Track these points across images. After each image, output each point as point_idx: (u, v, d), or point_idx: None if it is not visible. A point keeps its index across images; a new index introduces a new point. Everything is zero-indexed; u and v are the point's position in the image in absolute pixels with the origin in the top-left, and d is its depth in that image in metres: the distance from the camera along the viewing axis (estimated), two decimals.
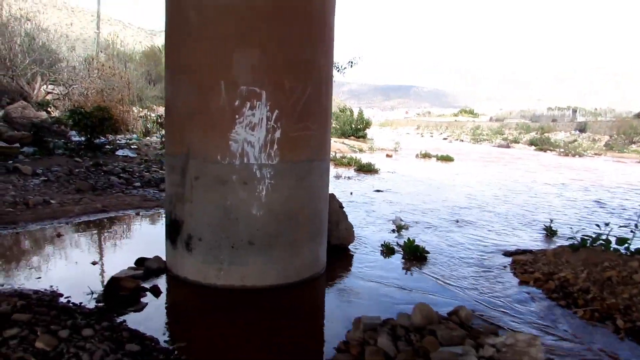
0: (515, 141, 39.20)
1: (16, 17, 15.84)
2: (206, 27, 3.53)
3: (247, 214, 3.63)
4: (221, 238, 3.64)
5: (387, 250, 5.03)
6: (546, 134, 40.69)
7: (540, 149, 30.47)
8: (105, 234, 5.40)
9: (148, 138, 14.49)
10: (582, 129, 42.28)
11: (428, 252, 4.88)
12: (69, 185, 7.70)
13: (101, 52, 22.77)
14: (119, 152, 11.10)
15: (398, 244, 5.25)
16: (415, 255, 4.81)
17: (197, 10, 3.53)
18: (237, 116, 3.52)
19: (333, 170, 13.04)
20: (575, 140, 38.33)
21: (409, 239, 4.99)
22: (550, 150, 29.77)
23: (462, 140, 41.26)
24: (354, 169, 13.64)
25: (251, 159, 3.57)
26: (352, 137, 28.16)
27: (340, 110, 32.30)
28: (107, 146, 11.35)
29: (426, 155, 19.87)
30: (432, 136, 51.65)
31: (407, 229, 6.15)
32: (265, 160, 3.60)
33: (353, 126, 29.47)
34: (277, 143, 3.62)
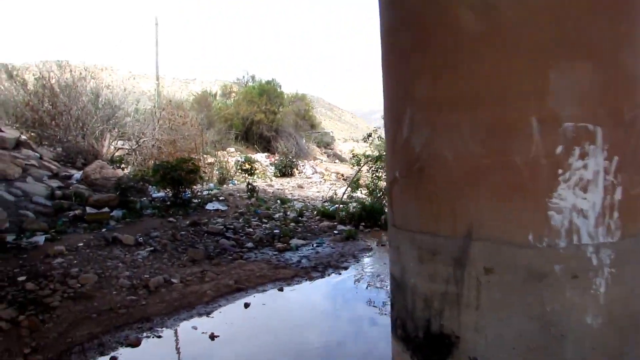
0: None
1: (82, 77, 15.25)
2: (497, 36, 2.20)
3: (577, 324, 2.20)
4: None
5: None
6: None
7: None
8: (274, 331, 4.07)
9: (225, 186, 13.44)
10: None
11: None
12: (179, 255, 6.52)
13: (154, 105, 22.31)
14: (209, 206, 9.98)
15: None
16: None
17: (477, 12, 2.21)
18: (559, 170, 2.14)
19: None
20: None
21: None
22: None
23: None
24: None
25: (583, 238, 2.16)
26: None
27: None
28: (194, 200, 10.26)
29: None
30: None
31: None
32: (604, 238, 2.18)
33: None
34: (617, 208, 2.20)
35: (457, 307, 2.45)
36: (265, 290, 5.17)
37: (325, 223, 9.05)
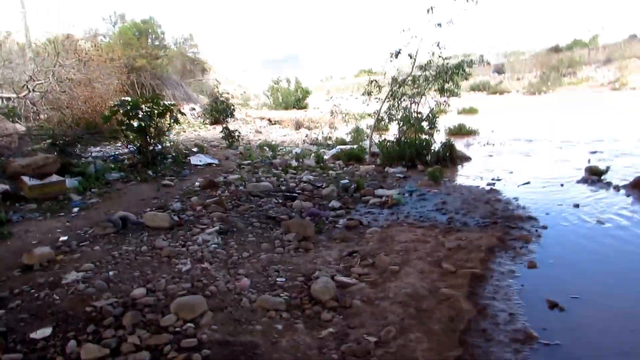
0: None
1: None
2: None
3: None
4: None
5: None
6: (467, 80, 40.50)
7: (494, 92, 29.74)
8: None
9: (176, 137, 10.14)
10: (499, 70, 42.77)
11: None
12: (266, 233, 3.83)
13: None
14: (195, 161, 6.94)
15: None
16: None
17: None
18: None
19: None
20: (501, 82, 38.62)
21: None
22: (504, 92, 29.19)
23: None
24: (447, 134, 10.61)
25: None
26: (295, 109, 24.33)
27: (275, 82, 28.33)
28: (168, 155, 7.09)
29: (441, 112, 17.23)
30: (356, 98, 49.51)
31: None
32: None
33: (293, 98, 25.90)
34: None
35: None
36: (513, 272, 2.99)
37: (366, 167, 6.82)
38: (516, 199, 4.76)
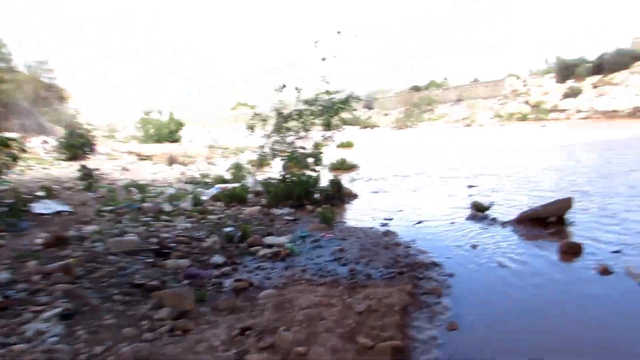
0: None
1: None
2: None
3: None
4: None
5: None
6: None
7: (366, 126, 31.31)
8: None
9: (19, 177, 8.37)
10: (369, 106, 45.51)
11: None
12: (126, 310, 2.93)
13: None
14: (40, 209, 5.58)
15: None
16: None
17: None
18: None
19: None
20: (370, 117, 41.08)
21: None
22: (374, 127, 30.84)
23: None
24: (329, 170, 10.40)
25: None
26: (168, 142, 22.90)
27: (146, 114, 26.49)
28: (2, 202, 5.64)
29: None
30: (233, 131, 48.64)
31: None
32: None
33: (166, 130, 24.53)
34: None
35: None
36: (435, 338, 2.54)
37: (251, 209, 6.16)
38: (414, 241, 4.52)
